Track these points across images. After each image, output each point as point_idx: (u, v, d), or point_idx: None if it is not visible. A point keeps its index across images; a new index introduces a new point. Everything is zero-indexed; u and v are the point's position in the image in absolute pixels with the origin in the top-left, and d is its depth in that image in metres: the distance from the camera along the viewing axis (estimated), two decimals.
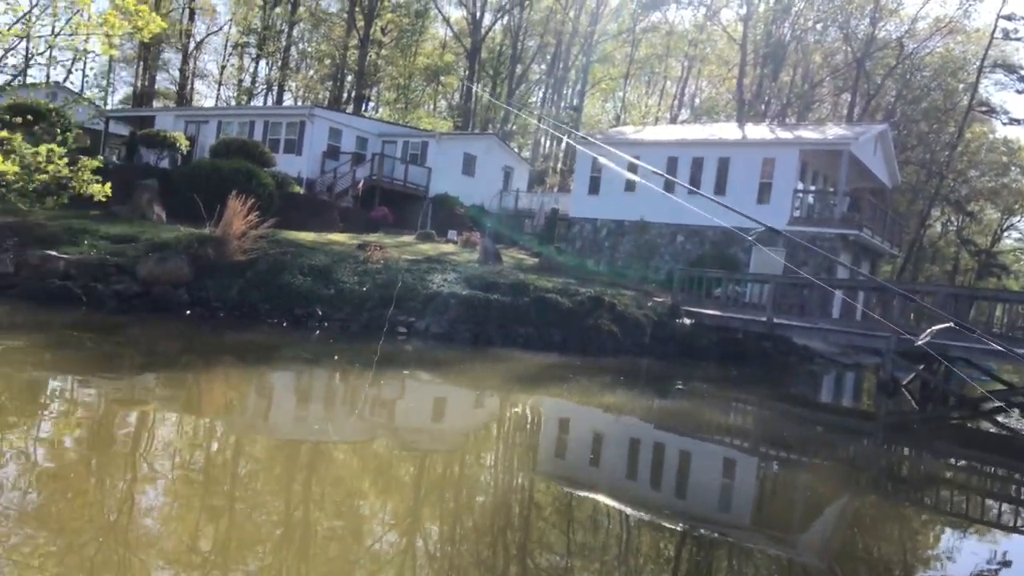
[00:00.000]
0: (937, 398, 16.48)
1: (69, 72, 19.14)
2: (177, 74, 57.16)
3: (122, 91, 60.09)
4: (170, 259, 16.37)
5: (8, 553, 4.51)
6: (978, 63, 42.69)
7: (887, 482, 9.79)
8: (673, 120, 53.10)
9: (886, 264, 41.27)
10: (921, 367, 15.77)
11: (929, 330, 5.17)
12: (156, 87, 57.36)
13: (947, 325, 5.22)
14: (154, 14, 14.77)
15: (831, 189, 27.04)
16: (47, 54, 16.06)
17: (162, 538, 5.08)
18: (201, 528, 5.35)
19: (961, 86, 44.93)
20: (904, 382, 16.51)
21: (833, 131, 27.59)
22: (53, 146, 15.13)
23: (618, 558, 5.78)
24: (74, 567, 4.49)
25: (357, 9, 49.21)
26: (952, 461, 11.38)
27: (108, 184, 15.63)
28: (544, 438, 10.04)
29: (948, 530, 7.65)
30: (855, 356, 23.11)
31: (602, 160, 15.14)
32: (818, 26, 45.99)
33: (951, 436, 13.79)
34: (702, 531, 6.56)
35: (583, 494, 7.28)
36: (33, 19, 15.32)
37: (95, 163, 15.92)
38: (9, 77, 16.43)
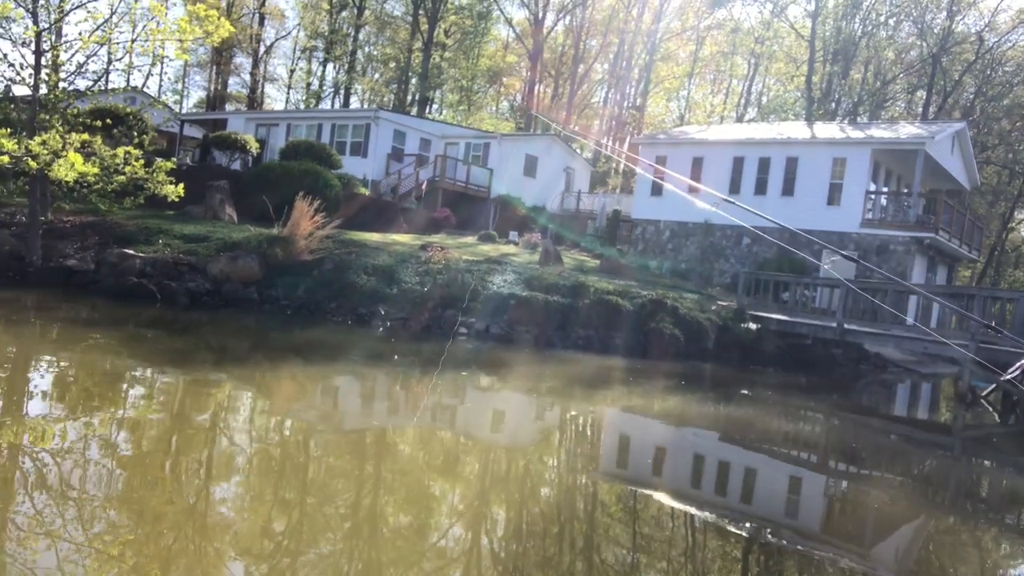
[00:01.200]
0: (1021, 410, 15.69)
1: (148, 76, 19.93)
2: (248, 78, 58.89)
3: (196, 95, 62.25)
4: (240, 258, 16.81)
5: (90, 541, 4.67)
6: None
7: (963, 498, 9.34)
8: (739, 119, 52.05)
9: (965, 269, 39.61)
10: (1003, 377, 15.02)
11: (1019, 364, 4.82)
12: (228, 91, 59.22)
13: None
14: (223, 19, 15.20)
15: (905, 190, 26.08)
16: (125, 60, 16.72)
17: (236, 519, 5.18)
18: (272, 512, 5.44)
19: None
20: (984, 393, 15.78)
21: (907, 130, 26.60)
22: (130, 148, 15.69)
23: (683, 561, 5.65)
24: (154, 550, 4.62)
25: (421, 12, 49.77)
26: None
27: (181, 185, 16.14)
28: (603, 442, 9.92)
29: None
30: (932, 365, 22.22)
31: (665, 183, 14.88)
32: (891, 21, 44.48)
33: None
34: (768, 538, 6.36)
35: (645, 498, 7.15)
36: (112, 27, 15.96)
37: (169, 165, 16.45)
38: (90, 82, 17.12)
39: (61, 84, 16.64)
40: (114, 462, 6.37)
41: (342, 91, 57.10)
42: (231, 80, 59.67)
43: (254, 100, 56.91)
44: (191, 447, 7.24)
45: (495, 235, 25.99)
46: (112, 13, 15.98)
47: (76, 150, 14.64)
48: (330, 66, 59.21)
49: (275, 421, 8.69)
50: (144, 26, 15.98)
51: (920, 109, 44.93)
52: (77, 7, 16.28)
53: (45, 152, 14.19)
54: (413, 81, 54.27)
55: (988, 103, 43.76)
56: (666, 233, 27.70)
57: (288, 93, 62.24)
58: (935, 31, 42.49)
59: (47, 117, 15.91)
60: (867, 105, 45.03)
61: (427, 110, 53.33)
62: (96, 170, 15.01)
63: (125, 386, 9.34)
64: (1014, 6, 64.50)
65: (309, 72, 60.34)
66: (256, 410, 9.14)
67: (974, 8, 42.58)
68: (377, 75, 60.60)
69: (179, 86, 59.07)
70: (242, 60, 59.20)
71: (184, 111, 51.99)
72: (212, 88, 58.62)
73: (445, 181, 30.50)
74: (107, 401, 8.54)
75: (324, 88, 59.26)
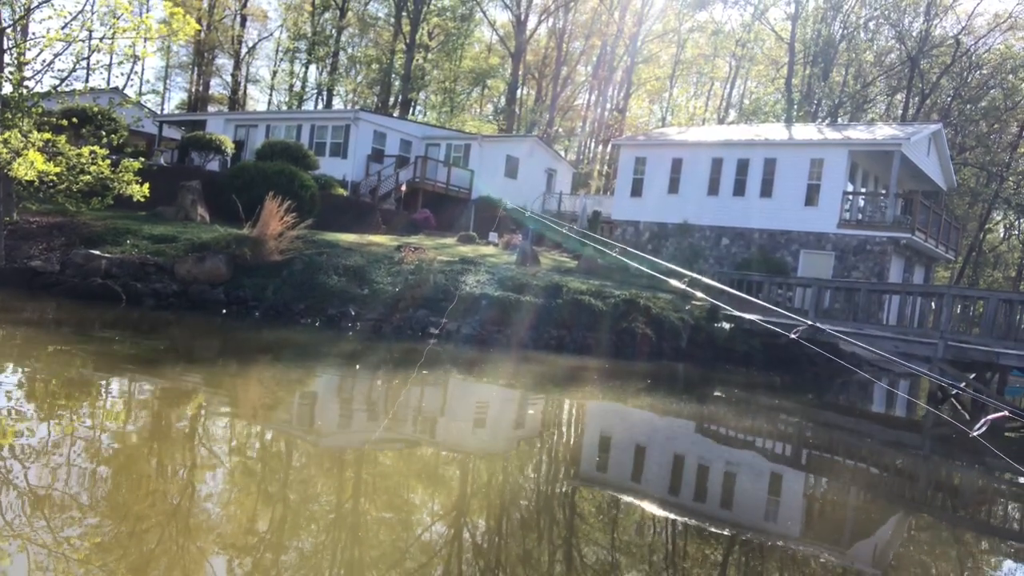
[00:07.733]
0: (990, 408, 15.72)
1: (129, 77, 19.68)
2: (230, 79, 58.54)
3: (178, 97, 61.82)
4: (208, 259, 16.62)
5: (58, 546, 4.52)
6: None
7: (933, 495, 9.32)
8: (721, 121, 52.22)
9: (944, 270, 39.84)
10: (972, 376, 15.08)
11: (985, 420, 4.59)
12: (210, 92, 58.84)
13: (1001, 414, 4.71)
14: (188, 17, 15.05)
15: (882, 191, 26.19)
16: (94, 58, 16.50)
17: (205, 526, 5.05)
18: (243, 518, 5.31)
19: (1023, 84, 43.20)
20: (954, 391, 15.81)
21: (884, 131, 26.72)
22: (96, 148, 15.49)
23: (662, 566, 5.55)
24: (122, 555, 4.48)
25: (404, 14, 49.66)
26: (1004, 475, 10.81)
27: (147, 185, 15.95)
28: (569, 446, 9.82)
29: (1000, 547, 7.21)
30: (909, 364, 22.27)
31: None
32: (870, 24, 44.79)
33: (1004, 449, 13.11)
34: (749, 538, 6.28)
35: (616, 504, 7.05)
36: (80, 25, 15.75)
37: (136, 165, 16.26)
38: (58, 81, 16.89)
39: (27, 82, 16.41)
40: (66, 471, 6.22)
41: (324, 92, 56.90)
42: (213, 82, 59.38)
43: (236, 101, 56.55)
44: (148, 456, 7.09)
45: (475, 236, 25.85)
46: (80, 11, 15.80)
47: (39, 149, 14.42)
48: (313, 67, 59.03)
49: (238, 429, 8.53)
50: (111, 24, 15.79)
51: (900, 111, 45.22)
52: (42, 3, 16.07)
53: (6, 151, 13.96)
54: (396, 83, 54.12)
55: (965, 105, 44.11)
56: (646, 234, 27.69)
57: (270, 94, 62.01)
58: (913, 34, 42.81)
59: (11, 116, 15.67)
60: (847, 107, 45.30)
61: (411, 112, 53.18)
62: (58, 169, 14.79)
63: (88, 394, 9.17)
64: (990, 10, 65.34)
65: (292, 73, 60.10)
66: (221, 420, 8.98)
67: (951, 12, 42.99)
68: (360, 77, 60.39)
69: (160, 87, 58.73)
70: (224, 61, 58.94)
71: (165, 112, 51.61)
72: (193, 90, 58.27)
73: (426, 182, 30.36)
74: (70, 408, 8.37)
75: (307, 89, 59.05)
